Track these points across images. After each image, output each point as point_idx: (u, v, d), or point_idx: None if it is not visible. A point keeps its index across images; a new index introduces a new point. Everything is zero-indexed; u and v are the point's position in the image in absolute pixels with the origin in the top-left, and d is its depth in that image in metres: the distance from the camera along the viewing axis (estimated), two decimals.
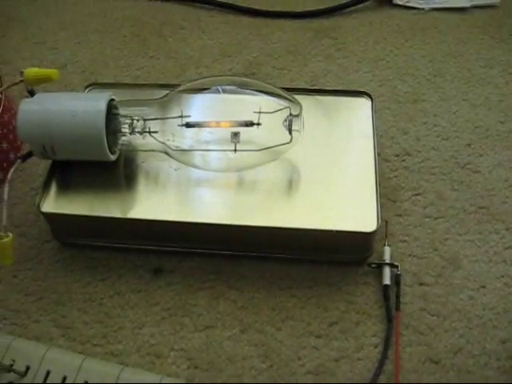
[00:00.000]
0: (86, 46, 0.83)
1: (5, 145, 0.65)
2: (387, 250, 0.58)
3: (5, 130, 0.65)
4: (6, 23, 0.87)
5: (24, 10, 0.89)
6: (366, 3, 0.86)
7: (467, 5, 0.86)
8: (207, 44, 0.82)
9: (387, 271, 0.56)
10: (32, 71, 0.55)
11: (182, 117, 0.56)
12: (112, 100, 0.57)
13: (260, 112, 0.56)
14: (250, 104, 0.57)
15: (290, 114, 0.56)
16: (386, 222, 0.60)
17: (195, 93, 0.59)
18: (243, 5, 0.86)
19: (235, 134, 0.56)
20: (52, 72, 0.55)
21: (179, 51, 0.81)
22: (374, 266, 0.57)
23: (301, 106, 0.57)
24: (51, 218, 0.58)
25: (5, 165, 0.66)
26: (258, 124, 0.56)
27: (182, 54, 0.80)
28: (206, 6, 0.88)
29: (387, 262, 0.57)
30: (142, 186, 0.58)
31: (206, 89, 0.59)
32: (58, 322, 0.55)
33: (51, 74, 0.55)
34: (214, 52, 0.81)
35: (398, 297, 0.55)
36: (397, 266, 0.57)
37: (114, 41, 0.83)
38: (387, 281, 0.56)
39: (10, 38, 0.85)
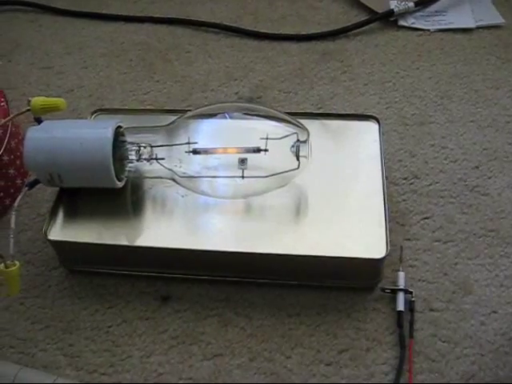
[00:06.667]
0: (92, 70, 0.83)
1: (12, 171, 0.65)
2: (401, 275, 0.57)
3: (12, 157, 0.65)
4: (12, 49, 0.87)
5: (30, 35, 0.90)
6: (372, 25, 0.86)
7: (473, 25, 0.86)
8: (213, 68, 0.82)
9: (401, 297, 0.56)
10: (39, 101, 0.55)
11: (188, 143, 0.56)
12: (119, 127, 0.57)
13: (267, 138, 0.55)
14: (257, 130, 0.57)
15: (298, 140, 0.56)
16: (401, 246, 0.59)
17: (202, 119, 0.59)
18: (249, 28, 0.87)
19: (242, 161, 0.56)
20: (59, 101, 0.55)
21: (185, 75, 0.81)
22: (387, 291, 0.56)
23: (308, 132, 0.57)
24: (58, 245, 0.58)
25: (12, 191, 0.66)
26: (266, 150, 0.56)
27: (189, 78, 0.81)
28: (211, 29, 0.88)
29: (401, 287, 0.56)
30: (149, 212, 0.58)
31: (212, 115, 0.59)
32: (66, 350, 0.55)
33: (58, 104, 0.55)
34: (220, 76, 0.81)
35: (411, 324, 0.54)
36: (411, 292, 0.56)
37: (120, 65, 0.84)
38: (401, 307, 0.55)
39: (16, 63, 0.85)
